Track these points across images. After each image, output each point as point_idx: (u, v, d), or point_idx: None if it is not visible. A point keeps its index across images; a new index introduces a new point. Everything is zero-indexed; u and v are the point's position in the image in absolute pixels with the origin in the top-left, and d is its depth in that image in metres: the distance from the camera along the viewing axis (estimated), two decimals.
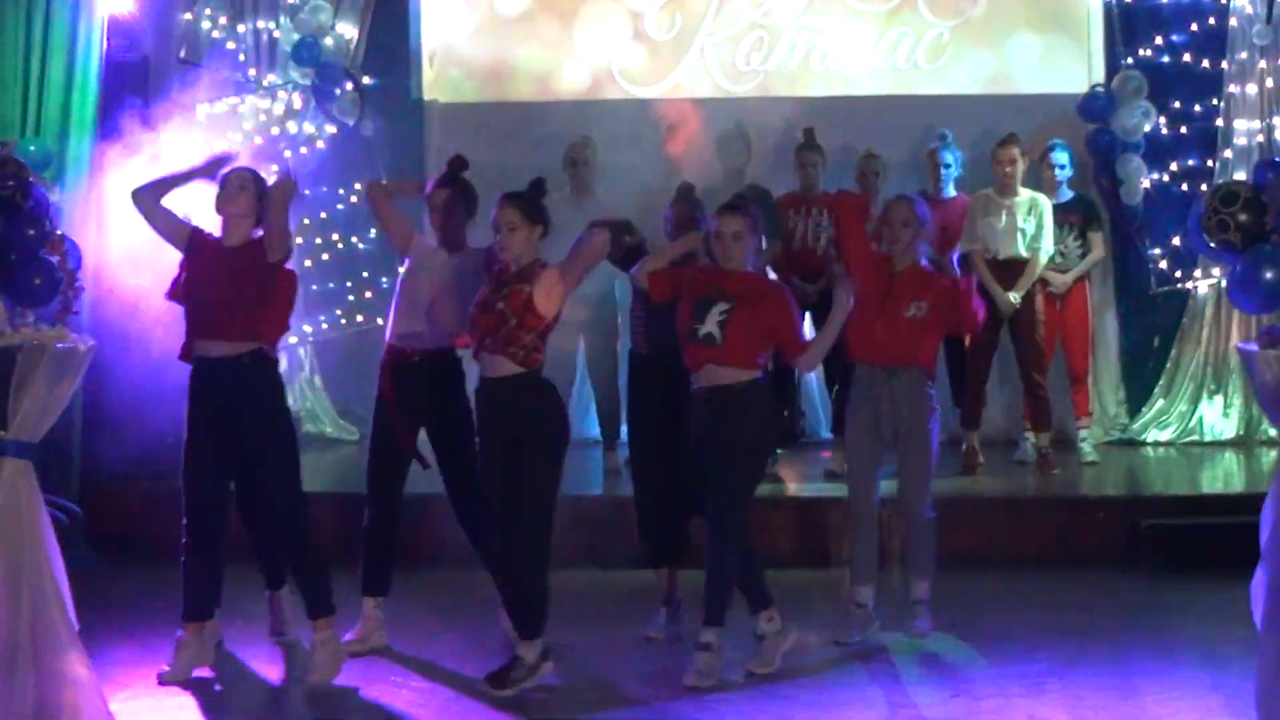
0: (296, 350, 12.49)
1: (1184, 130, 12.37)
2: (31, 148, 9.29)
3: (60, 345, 6.77)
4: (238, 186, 7.96)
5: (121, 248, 9.09)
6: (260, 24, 12.40)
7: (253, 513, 8.20)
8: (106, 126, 10.06)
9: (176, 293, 7.97)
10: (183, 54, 12.04)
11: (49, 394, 6.75)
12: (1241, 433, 12.43)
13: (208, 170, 8.02)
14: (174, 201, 8.05)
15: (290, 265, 8.00)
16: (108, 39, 10.13)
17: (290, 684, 7.94)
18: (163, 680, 7.77)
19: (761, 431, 8.04)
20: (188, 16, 12.11)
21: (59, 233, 6.99)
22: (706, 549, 7.91)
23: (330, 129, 12.38)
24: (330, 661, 7.86)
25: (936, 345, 8.67)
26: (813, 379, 12.33)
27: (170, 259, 8.07)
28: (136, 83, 11.58)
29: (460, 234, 8.47)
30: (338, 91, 12.23)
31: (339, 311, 12.49)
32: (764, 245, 11.24)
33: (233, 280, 7.74)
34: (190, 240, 7.91)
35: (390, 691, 7.69)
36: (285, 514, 7.92)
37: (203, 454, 7.86)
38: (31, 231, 6.77)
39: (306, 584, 7.99)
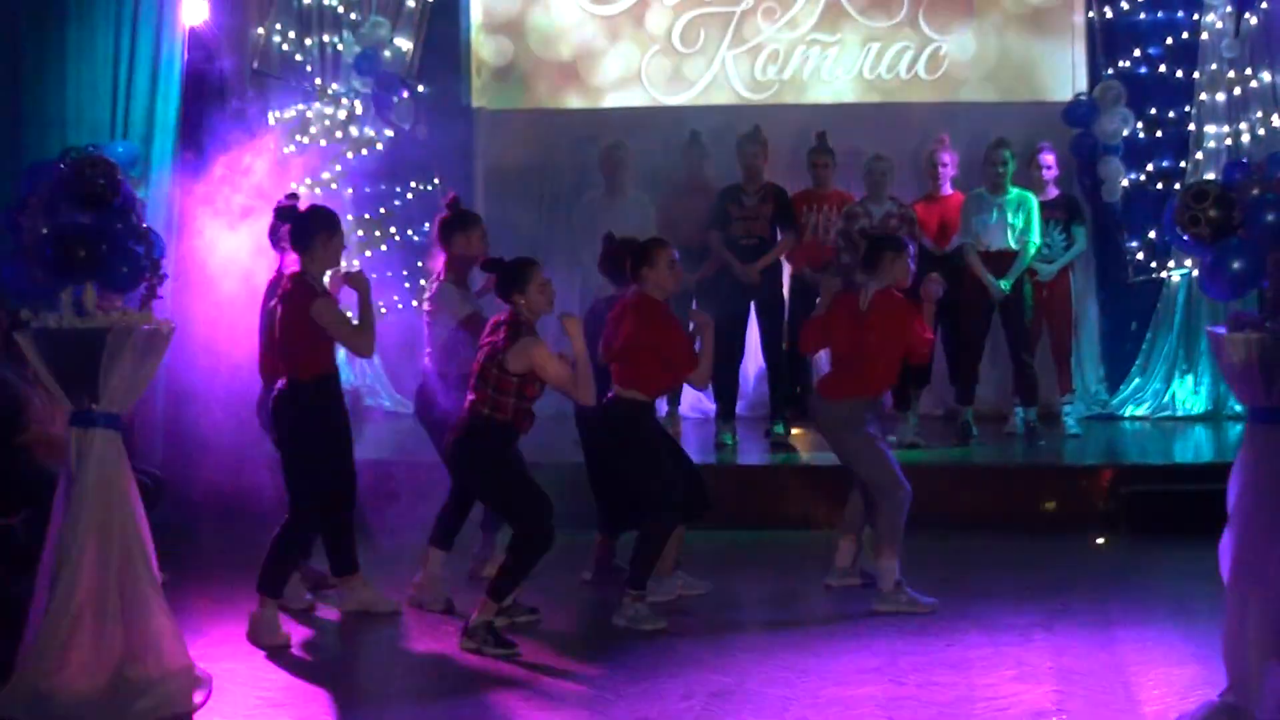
0: None
1: (1159, 134, 12.34)
2: (120, 149, 9.25)
3: (145, 327, 6.75)
4: None
5: (199, 239, 9.08)
6: (325, 38, 12.38)
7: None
8: (187, 130, 10.06)
9: None
10: (256, 65, 12.05)
11: (135, 371, 6.73)
12: (1210, 408, 12.38)
13: None
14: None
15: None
16: (188, 51, 10.10)
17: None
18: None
19: None
20: (261, 31, 12.12)
21: (144, 225, 6.96)
22: None
23: (388, 133, 12.37)
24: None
25: None
26: None
27: (239, 248, 8.05)
28: (214, 91, 11.58)
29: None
30: (395, 99, 12.22)
31: (395, 297, 12.47)
32: (780, 238, 11.33)
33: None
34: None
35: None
36: None
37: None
38: (120, 224, 6.75)
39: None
